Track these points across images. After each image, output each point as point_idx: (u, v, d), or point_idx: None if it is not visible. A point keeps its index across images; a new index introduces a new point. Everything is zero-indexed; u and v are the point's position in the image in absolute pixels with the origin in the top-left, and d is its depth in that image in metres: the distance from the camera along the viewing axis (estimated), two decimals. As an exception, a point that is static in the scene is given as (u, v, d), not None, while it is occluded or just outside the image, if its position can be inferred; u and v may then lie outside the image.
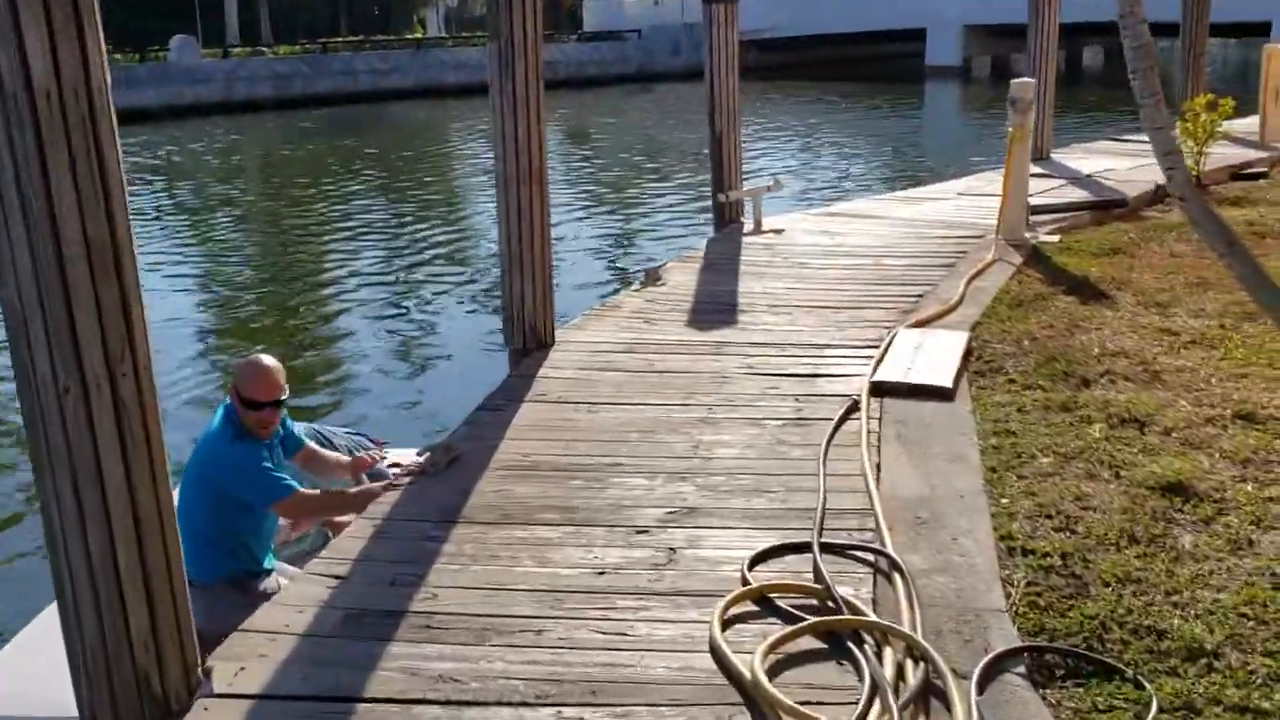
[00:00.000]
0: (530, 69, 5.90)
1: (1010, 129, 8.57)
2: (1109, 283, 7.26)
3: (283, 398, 4.24)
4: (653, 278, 7.83)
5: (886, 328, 6.49)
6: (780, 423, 5.04)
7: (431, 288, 12.62)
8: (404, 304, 12.04)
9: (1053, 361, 5.64)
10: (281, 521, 4.50)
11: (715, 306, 7.16)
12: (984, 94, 41.12)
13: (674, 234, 14.32)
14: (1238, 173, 11.79)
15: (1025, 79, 8.56)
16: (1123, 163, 12.40)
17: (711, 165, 9.98)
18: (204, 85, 36.47)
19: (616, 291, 7.80)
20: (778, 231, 9.56)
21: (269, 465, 4.18)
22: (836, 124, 28.97)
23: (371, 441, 5.20)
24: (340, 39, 48.06)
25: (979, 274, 7.56)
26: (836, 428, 4.92)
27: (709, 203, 10.31)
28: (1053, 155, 13.21)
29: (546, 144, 6.12)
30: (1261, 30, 38.92)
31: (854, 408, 5.13)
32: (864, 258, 8.46)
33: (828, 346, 6.15)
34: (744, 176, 10.11)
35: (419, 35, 56.61)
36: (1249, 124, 13.18)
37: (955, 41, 44.39)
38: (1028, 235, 8.73)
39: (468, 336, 10.50)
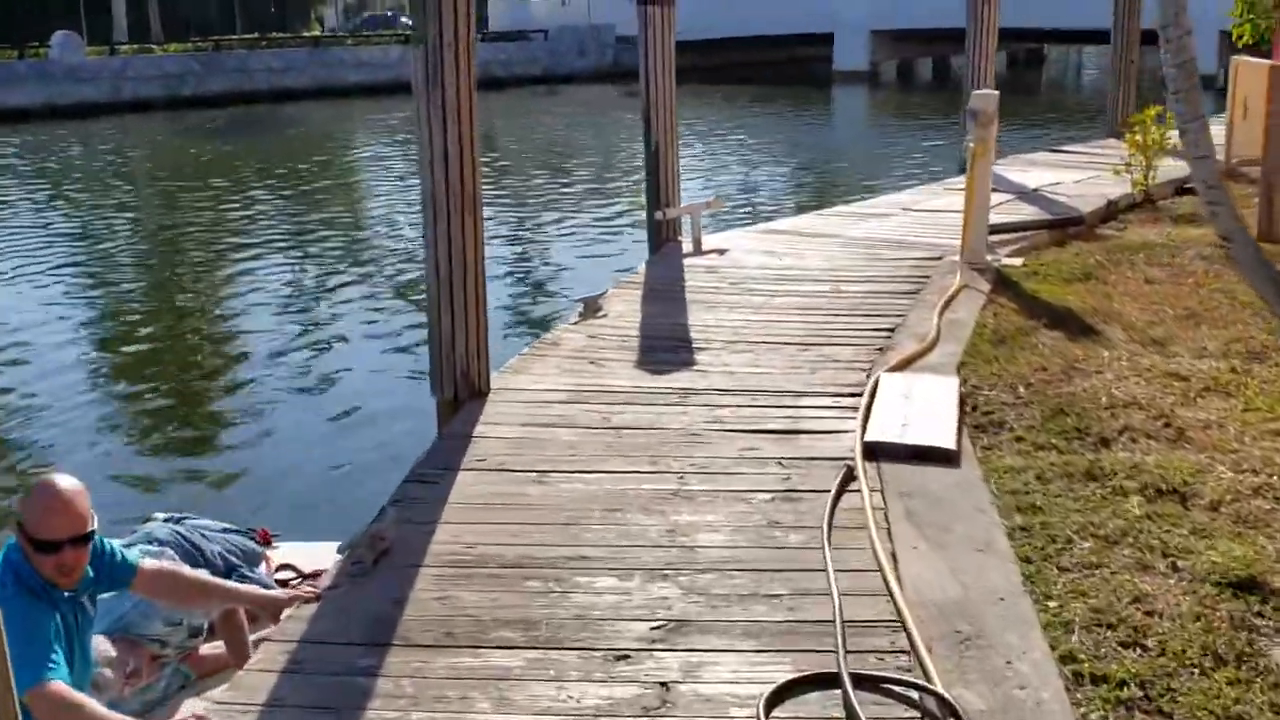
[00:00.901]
0: (463, 76, 5.09)
1: (970, 144, 7.97)
2: (1092, 315, 6.66)
3: (89, 530, 3.13)
4: (592, 308, 7.04)
5: (863, 369, 5.81)
6: (768, 496, 4.30)
7: (343, 323, 11.01)
8: (310, 343, 10.36)
9: (1060, 415, 4.99)
10: (107, 672, 3.45)
11: (667, 343, 6.40)
12: (892, 98, 41.21)
13: (607, 255, 13.18)
14: (1182, 187, 11.38)
15: (986, 91, 7.97)
16: (1066, 175, 11.95)
17: (647, 180, 9.23)
18: (89, 84, 34.67)
19: (553, 325, 6.98)
20: (720, 252, 8.85)
21: (42, 635, 3.00)
22: (750, 130, 28.39)
23: (254, 542, 4.32)
24: (234, 37, 46.29)
25: (949, 303, 6.92)
26: (835, 503, 4.19)
27: (641, 217, 9.55)
28: (993, 168, 12.71)
29: (480, 161, 5.31)
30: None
31: (850, 476, 4.41)
32: (819, 283, 7.78)
33: (803, 395, 5.43)
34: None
35: (317, 33, 55.02)
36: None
37: (863, 46, 44.33)
38: (989, 258, 8.13)
39: (386, 384, 8.97)
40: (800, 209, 14.40)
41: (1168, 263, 7.94)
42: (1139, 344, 6.04)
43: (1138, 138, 10.60)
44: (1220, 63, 41.41)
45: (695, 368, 5.93)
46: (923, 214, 10.30)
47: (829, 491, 4.27)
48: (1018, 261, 8.13)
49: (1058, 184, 11.46)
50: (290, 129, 31.44)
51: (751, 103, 36.21)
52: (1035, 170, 12.46)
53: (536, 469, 4.61)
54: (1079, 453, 4.63)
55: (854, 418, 5.06)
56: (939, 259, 8.33)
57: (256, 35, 47.71)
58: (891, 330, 6.51)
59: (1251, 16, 12.21)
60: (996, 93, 7.98)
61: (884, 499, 4.25)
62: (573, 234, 15.13)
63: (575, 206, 17.15)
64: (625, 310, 7.13)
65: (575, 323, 6.87)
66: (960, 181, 12.11)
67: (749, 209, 15.64)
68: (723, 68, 45.95)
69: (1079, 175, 11.99)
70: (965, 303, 7.00)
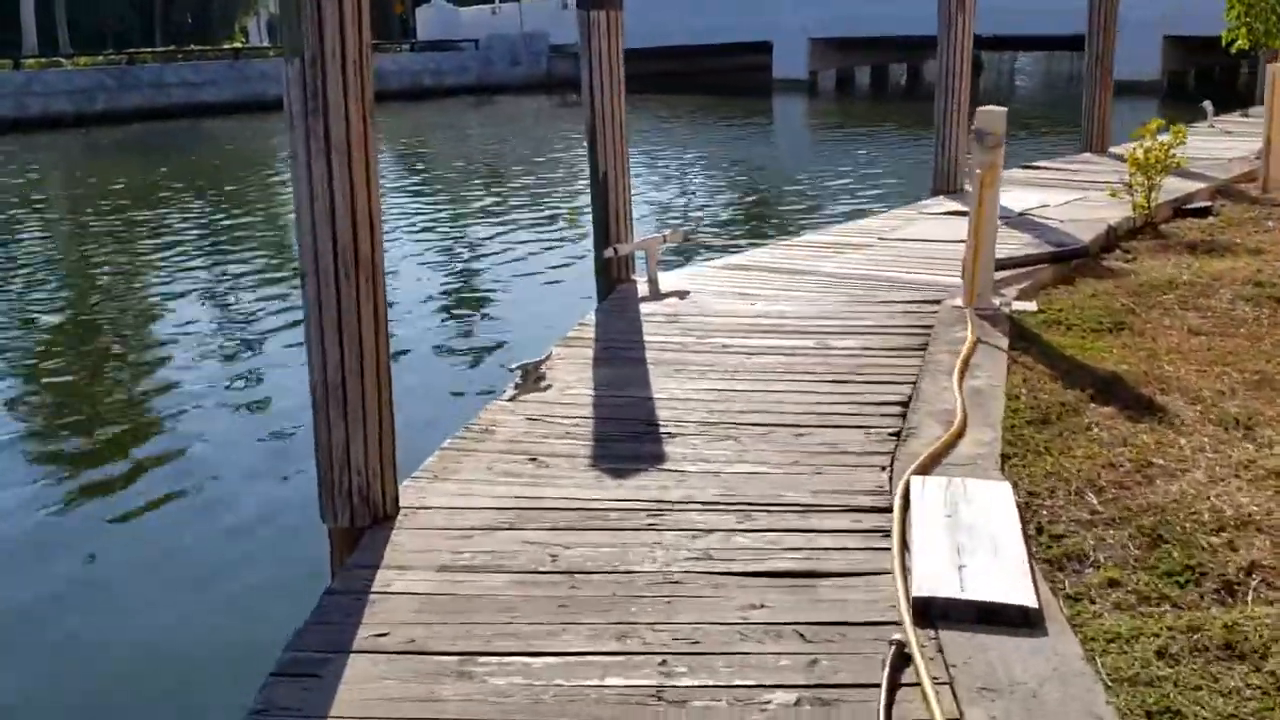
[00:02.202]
0: (354, 100, 3.76)
1: (977, 170, 6.76)
2: (1144, 381, 5.47)
3: None
4: (532, 377, 5.72)
5: (880, 465, 4.55)
6: (790, 698, 3.01)
7: (234, 399, 8.73)
8: (183, 432, 8.03)
9: (1159, 543, 3.77)
10: None
11: (628, 427, 5.10)
12: (831, 107, 40.33)
13: (548, 301, 11.28)
14: (1180, 208, 10.33)
15: (993, 108, 6.77)
16: (1051, 196, 10.84)
17: (594, 212, 7.94)
18: (-10, 100, 32.72)
19: (484, 402, 5.61)
20: (681, 295, 7.57)
21: None
22: (695, 144, 27.20)
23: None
24: (149, 50, 44.26)
25: (966, 366, 5.69)
26: (889, 709, 2.92)
27: (586, 250, 8.23)
28: (966, 186, 11.59)
29: (381, 213, 3.98)
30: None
31: (902, 657, 3.14)
32: (803, 335, 6.53)
33: (812, 510, 4.15)
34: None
35: (238, 44, 53.06)
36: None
37: (801, 55, 43.44)
38: (997, 301, 6.94)
39: (272, 497, 6.73)
40: (763, 237, 13.06)
41: (1206, 307, 6.79)
42: (1216, 424, 4.84)
43: (1138, 155, 9.50)
44: (1164, 68, 41.23)
45: (666, 466, 4.63)
46: (902, 244, 9.11)
47: (875, 686, 3.00)
48: (1030, 306, 6.94)
49: (1044, 206, 10.34)
50: (208, 146, 29.74)
51: (693, 113, 35.08)
52: (1015, 191, 11.32)
53: (458, 648, 3.29)
54: (1202, 606, 3.40)
55: (886, 546, 3.80)
56: (937, 302, 7.12)
57: (173, 48, 45.69)
58: (904, 405, 5.26)
59: (1248, 20, 11.19)
60: (1003, 110, 6.79)
61: (955, 697, 2.99)
62: (508, 275, 12.99)
63: (510, 240, 15.01)
64: (573, 379, 5.82)
65: (512, 397, 5.54)
66: (934, 204, 10.99)
67: (707, 238, 13.98)
68: (661, 76, 44.83)
69: (1065, 196, 10.89)
70: (984, 364, 5.77)
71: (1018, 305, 6.94)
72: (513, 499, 4.30)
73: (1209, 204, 10.43)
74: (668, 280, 8.02)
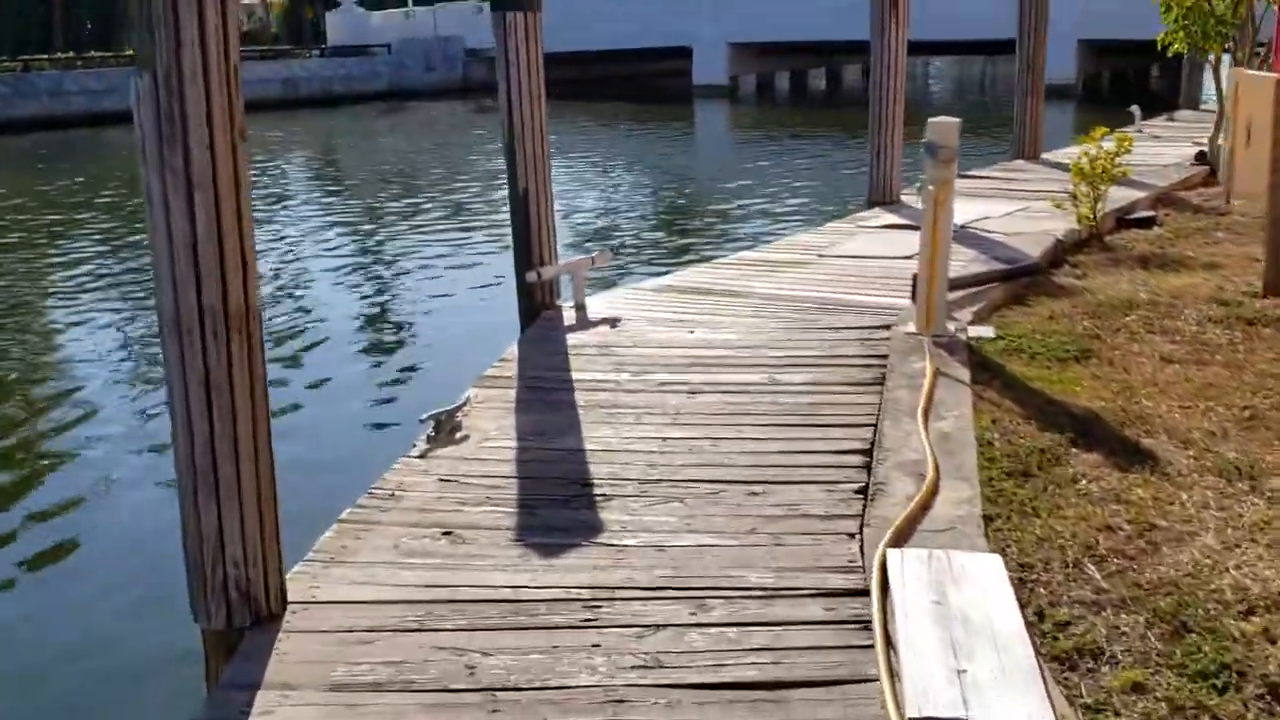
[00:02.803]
0: (221, 126, 3.09)
1: (929, 186, 6.24)
2: (1125, 420, 4.98)
3: None
4: (447, 428, 5.06)
5: (848, 533, 3.98)
6: None
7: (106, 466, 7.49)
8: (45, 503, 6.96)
9: (1183, 632, 3.24)
10: None
11: (556, 489, 4.46)
12: (752, 113, 40.05)
13: (466, 332, 10.07)
14: (1124, 218, 9.96)
15: (946, 119, 6.26)
16: (990, 207, 10.41)
17: (514, 232, 7.29)
18: (-127, 109, 31.11)
19: (391, 461, 4.91)
20: (612, 323, 6.95)
21: None
22: (617, 153, 26.57)
23: None
24: (46, 56, 42.55)
25: (929, 405, 5.15)
26: None
27: (506, 273, 7.57)
28: (903, 198, 11.15)
29: (256, 264, 3.32)
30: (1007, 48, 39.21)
31: (902, 807, 2.56)
32: (746, 368, 5.95)
33: (776, 596, 3.55)
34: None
35: (143, 50, 51.29)
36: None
37: (721, 60, 43.10)
38: (952, 326, 6.43)
39: (131, 600, 5.56)
40: (696, 254, 12.42)
41: (1173, 330, 6.34)
42: (1216, 474, 4.35)
43: (1083, 165, 9.10)
44: (1078, 72, 41.52)
45: (603, 539, 4.01)
46: (843, 262, 8.59)
47: None
48: (988, 331, 6.43)
49: (986, 219, 9.89)
50: (110, 156, 28.45)
51: (613, 120, 34.50)
52: (954, 201, 10.86)
53: (357, 805, 2.64)
54: (1248, 718, 2.87)
55: (867, 644, 3.23)
56: (887, 327, 6.60)
57: (73, 54, 43.99)
58: (866, 453, 4.70)
59: (1186, 23, 10.89)
60: (956, 121, 6.28)
61: None
62: (420, 303, 11.86)
63: (424, 261, 13.80)
64: (493, 428, 5.17)
65: (423, 453, 4.88)
66: (872, 217, 10.50)
67: (636, 257, 13.19)
68: (580, 82, 44.21)
69: (1006, 207, 10.47)
70: (948, 401, 5.24)
71: (975, 331, 6.43)
72: (423, 588, 3.65)
73: (1153, 214, 10.08)
74: (596, 305, 7.42)
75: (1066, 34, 36.41)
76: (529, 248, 7.20)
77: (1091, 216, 9.23)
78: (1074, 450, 4.66)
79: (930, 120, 6.27)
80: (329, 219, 17.74)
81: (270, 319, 10.48)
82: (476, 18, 40.49)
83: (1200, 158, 12.79)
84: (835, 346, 6.30)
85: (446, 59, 44.61)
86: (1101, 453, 4.61)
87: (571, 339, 6.67)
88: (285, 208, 18.70)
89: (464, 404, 5.29)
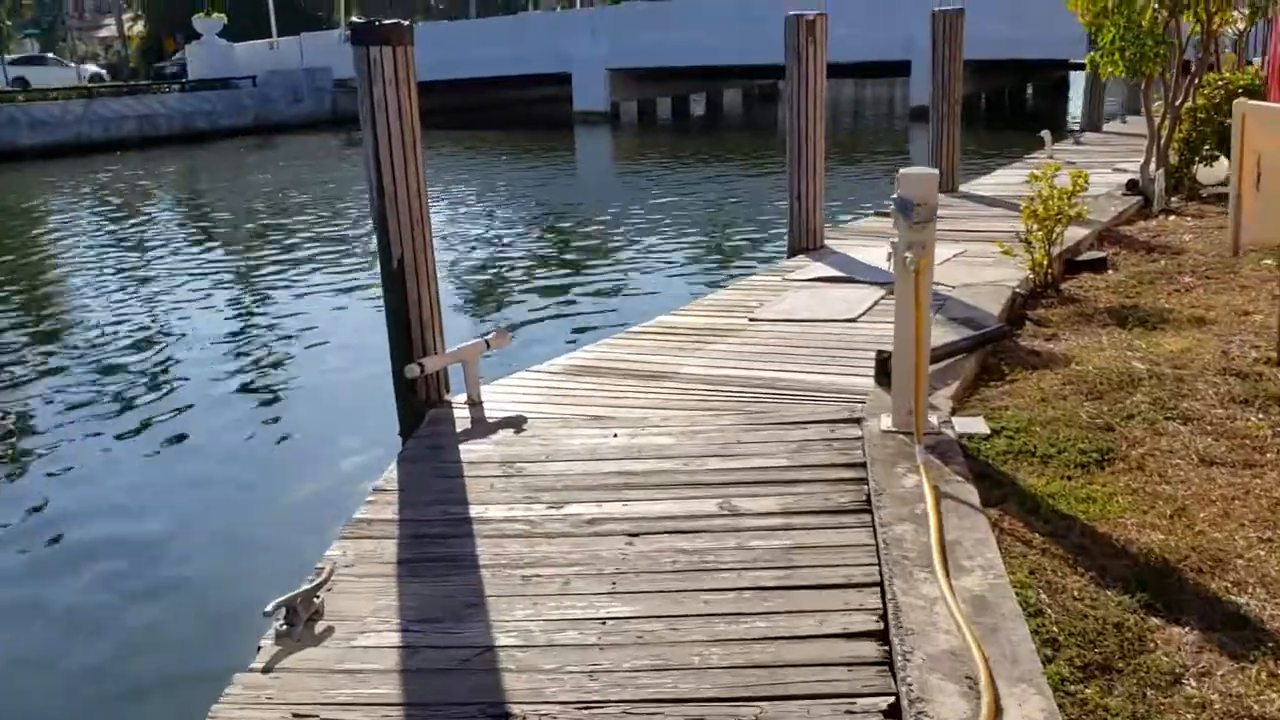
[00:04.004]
0: None
1: (903, 253, 5.07)
2: (1195, 563, 3.85)
3: None
4: (301, 619, 3.68)
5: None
6: None
7: None
8: None
9: None
10: None
11: (461, 728, 3.13)
12: (635, 140, 39.06)
13: (330, 448, 7.75)
14: (1073, 260, 9.00)
15: (921, 169, 5.11)
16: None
17: (389, 313, 5.94)
18: None
19: (218, 680, 3.46)
20: (516, 426, 5.63)
21: None
22: (496, 189, 25.03)
23: None
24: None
25: (945, 553, 3.94)
26: None
27: (381, 359, 6.16)
28: (828, 242, 10.04)
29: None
30: (901, 69, 39.00)
31: None
32: (696, 490, 4.69)
33: None
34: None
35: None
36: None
37: (601, 86, 42.07)
38: (934, 418, 5.26)
39: None
40: (601, 314, 11.09)
41: (1197, 416, 5.26)
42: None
43: (1035, 207, 8.08)
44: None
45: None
46: (779, 327, 7.40)
47: None
48: (979, 425, 5.27)
49: (926, 265, 8.80)
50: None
51: (491, 151, 33.12)
52: (881, 247, 9.74)
53: None
54: None
55: None
56: (856, 421, 5.40)
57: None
58: (881, 639, 3.46)
59: (1122, 44, 10.01)
60: (933, 173, 5.14)
61: None
62: (273, 408, 9.03)
63: (280, 347, 10.93)
64: (367, 610, 3.81)
65: (267, 665, 3.49)
66: (798, 267, 9.33)
67: (532, 320, 11.27)
68: (457, 110, 42.76)
69: (940, 251, 9.38)
70: (965, 542, 4.03)
71: (963, 425, 5.26)
72: None
73: (1103, 255, 9.13)
74: (494, 398, 6.08)
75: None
76: (407, 334, 5.86)
77: (1046, 263, 8.22)
78: (1154, 621, 3.49)
79: (902, 171, 5.11)
80: (170, 282, 14.74)
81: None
82: (344, 47, 38.60)
83: (1131, 186, 11.99)
84: (799, 453, 5.07)
85: (314, 90, 42.70)
86: (1192, 625, 3.45)
87: (467, 451, 5.33)
88: (122, 271, 16.28)
89: (325, 578, 3.91)
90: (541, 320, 11.26)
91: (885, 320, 7.31)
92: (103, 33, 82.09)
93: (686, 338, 7.21)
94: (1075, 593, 3.68)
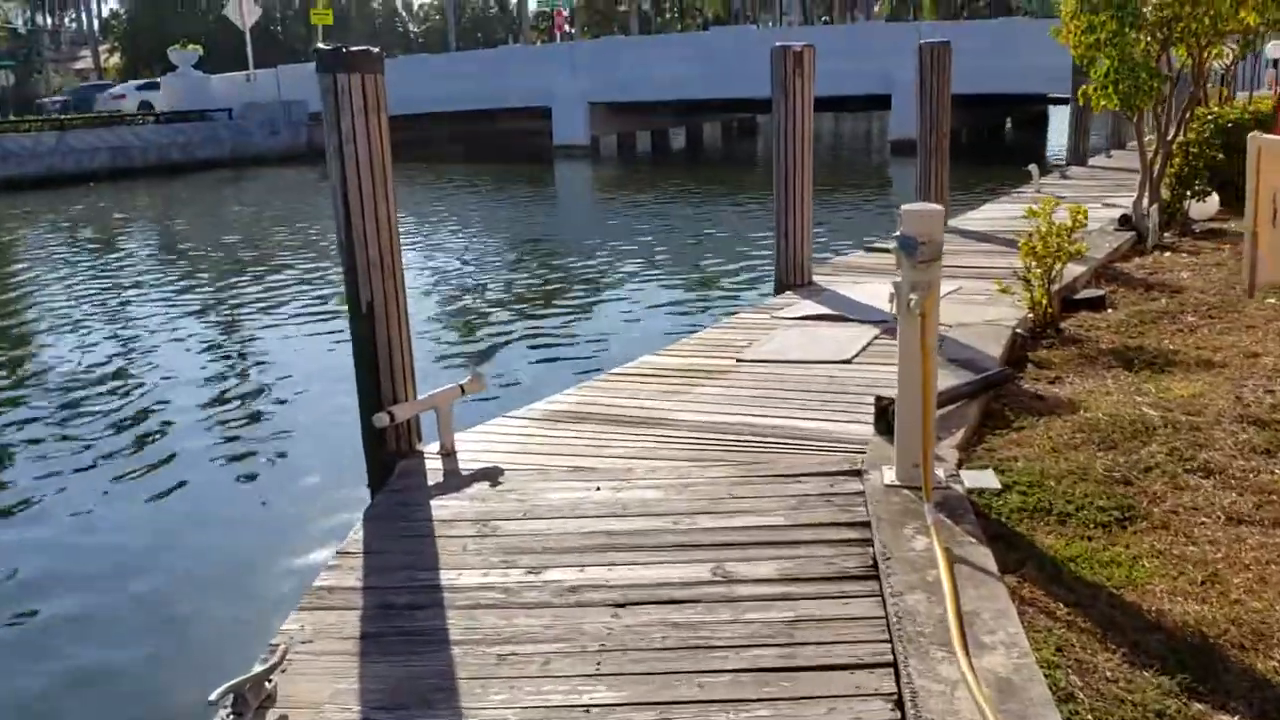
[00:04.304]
0: None
1: (908, 295, 4.74)
2: (1238, 639, 3.52)
3: None
4: (254, 703, 3.29)
5: None
6: None
7: None
8: None
9: None
10: None
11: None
12: (615, 174, 38.87)
13: (292, 508, 7.25)
14: (1070, 299, 8.71)
15: (924, 205, 4.81)
16: (919, 289, 9.01)
17: (357, 359, 5.57)
18: None
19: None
20: (492, 479, 5.26)
21: None
22: (471, 221, 24.67)
23: None
24: None
25: (964, 627, 3.59)
26: None
27: (353, 407, 5.78)
28: (815, 278, 9.73)
29: None
30: (881, 103, 38.98)
31: None
32: (686, 554, 4.32)
33: None
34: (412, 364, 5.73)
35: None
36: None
37: (582, 119, 41.88)
38: (940, 471, 4.92)
39: None
40: (581, 354, 10.72)
41: (1218, 469, 4.94)
42: None
43: (1034, 243, 7.79)
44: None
45: None
46: (769, 368, 7.05)
47: None
48: (989, 479, 4.93)
49: (919, 303, 8.50)
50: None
51: (470, 183, 32.81)
52: (871, 282, 9.53)
53: None
54: None
55: None
56: (857, 473, 5.06)
57: None
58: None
59: (1117, 77, 9.78)
60: (939, 209, 4.83)
61: None
62: (244, 448, 8.60)
63: (252, 379, 10.73)
64: (324, 692, 3.42)
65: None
66: (785, 305, 8.98)
67: (509, 362, 10.76)
68: (437, 142, 42.54)
69: (943, 286, 9.09)
70: (984, 614, 3.68)
71: (972, 479, 4.92)
72: None
73: (1101, 293, 8.84)
74: (468, 446, 5.71)
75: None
76: (376, 380, 5.49)
77: (1045, 302, 7.92)
78: (1198, 707, 3.15)
79: (904, 208, 4.79)
80: (141, 323, 14.04)
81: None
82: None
83: (1125, 222, 11.74)
84: (797, 510, 4.72)
85: (290, 124, 42.41)
86: (1241, 712, 3.11)
87: (439, 507, 4.95)
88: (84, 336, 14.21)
89: (279, 659, 3.52)
90: (519, 361, 10.86)
91: (881, 362, 7.02)
92: (79, 64, 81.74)
93: (672, 380, 6.85)
94: (1108, 673, 3.34)
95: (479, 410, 6.19)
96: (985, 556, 4.09)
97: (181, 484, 7.85)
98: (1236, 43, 11.17)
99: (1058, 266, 7.92)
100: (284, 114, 42.50)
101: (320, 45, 5.53)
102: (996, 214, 13.71)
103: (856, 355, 7.19)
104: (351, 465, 5.85)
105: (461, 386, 5.75)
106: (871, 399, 6.16)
